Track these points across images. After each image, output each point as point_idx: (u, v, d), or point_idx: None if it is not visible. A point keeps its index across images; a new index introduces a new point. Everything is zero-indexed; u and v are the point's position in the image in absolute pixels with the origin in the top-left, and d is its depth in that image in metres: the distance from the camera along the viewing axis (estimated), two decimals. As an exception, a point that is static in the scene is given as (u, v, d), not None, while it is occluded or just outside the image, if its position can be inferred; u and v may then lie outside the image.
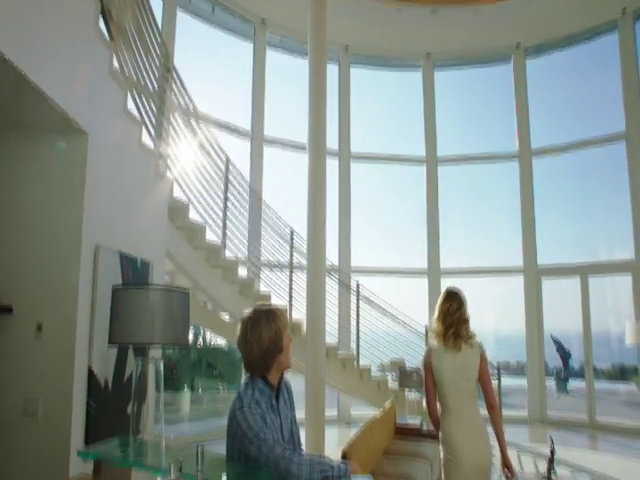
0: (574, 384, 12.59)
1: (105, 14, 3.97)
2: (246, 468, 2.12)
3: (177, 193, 5.85)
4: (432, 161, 11.00)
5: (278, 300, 7.49)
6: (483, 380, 3.51)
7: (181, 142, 5.70)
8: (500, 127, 11.70)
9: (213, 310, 7.38)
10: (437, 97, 11.18)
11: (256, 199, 7.64)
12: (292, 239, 7.82)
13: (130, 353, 3.62)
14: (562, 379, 13.26)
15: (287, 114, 10.67)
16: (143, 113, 4.75)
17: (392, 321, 8.71)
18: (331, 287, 7.90)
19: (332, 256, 9.32)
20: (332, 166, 10.06)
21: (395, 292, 10.20)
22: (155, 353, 3.17)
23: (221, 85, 9.95)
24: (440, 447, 3.56)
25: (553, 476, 4.45)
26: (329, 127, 7.07)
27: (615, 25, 9.80)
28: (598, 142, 10.02)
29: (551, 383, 12.36)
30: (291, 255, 7.82)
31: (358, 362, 8.49)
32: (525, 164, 10.55)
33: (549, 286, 10.18)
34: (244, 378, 2.33)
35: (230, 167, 6.96)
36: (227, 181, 6.92)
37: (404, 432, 6.37)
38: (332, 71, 10.28)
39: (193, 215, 6.11)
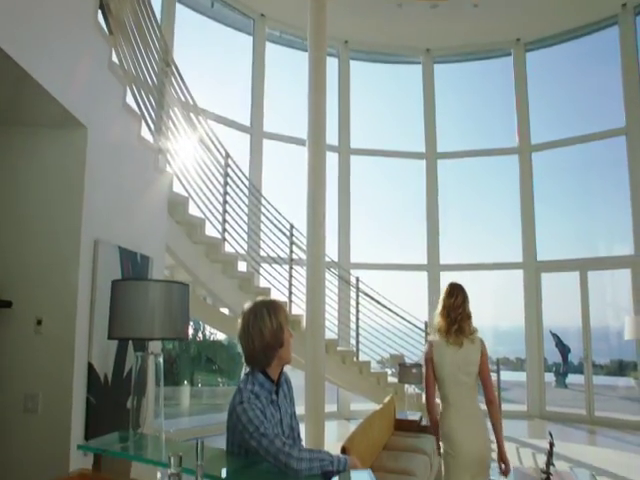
0: (573, 379, 12.62)
1: (104, 8, 3.96)
2: (246, 462, 2.12)
3: (177, 187, 5.85)
4: (432, 156, 10.99)
5: (278, 295, 7.50)
6: (483, 375, 3.53)
7: (180, 136, 5.69)
8: (500, 122, 11.70)
9: (213, 305, 7.39)
10: (437, 92, 11.16)
11: (256, 194, 7.63)
12: (292, 234, 7.82)
13: (130, 348, 3.63)
14: (561, 374, 13.30)
15: (287, 109, 10.65)
16: (142, 107, 4.74)
17: (392, 316, 8.72)
18: (331, 282, 7.91)
19: (332, 251, 9.33)
20: (332, 161, 10.05)
21: (394, 287, 10.22)
22: (155, 347, 3.17)
23: (220, 79, 9.93)
24: (440, 441, 3.58)
25: (552, 470, 4.46)
26: (329, 122, 7.05)
27: (616, 20, 9.77)
28: (598, 137, 10.01)
29: (550, 378, 12.40)
30: (291, 250, 7.83)
31: (358, 357, 8.51)
32: (525, 159, 10.55)
33: (548, 281, 10.18)
34: (244, 372, 2.34)
35: (229, 162, 6.95)
36: (227, 176, 6.92)
37: (404, 427, 6.39)
38: (332, 66, 10.26)
39: (193, 210, 6.11)
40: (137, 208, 4.08)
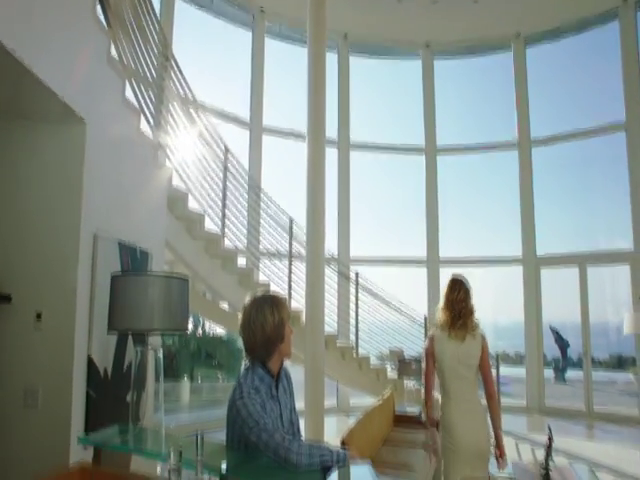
0: (572, 374, 12.65)
1: (103, 1, 3.94)
2: (246, 455, 2.12)
3: (176, 183, 5.84)
4: (431, 150, 10.99)
5: (277, 290, 7.49)
6: (483, 370, 3.54)
7: (180, 131, 5.67)
8: (499, 117, 11.69)
9: (212, 300, 7.39)
10: (436, 86, 11.15)
11: (255, 189, 7.63)
12: (291, 229, 7.82)
13: (129, 342, 3.63)
14: (560, 369, 13.33)
15: (286, 103, 10.64)
16: (142, 102, 4.73)
17: (391, 311, 8.73)
18: (330, 277, 7.91)
19: (331, 246, 9.33)
20: (331, 155, 10.04)
21: (394, 282, 10.21)
22: (154, 340, 3.17)
23: (220, 74, 9.91)
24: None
25: (551, 465, 4.47)
26: (328, 117, 7.04)
27: (616, 14, 9.75)
28: (598, 132, 10.00)
29: (550, 374, 12.42)
30: (290, 245, 7.82)
31: (357, 352, 8.51)
32: (524, 154, 10.54)
33: (548, 276, 10.19)
34: (244, 366, 2.34)
35: (229, 156, 6.94)
36: (226, 170, 6.90)
37: (403, 421, 6.40)
38: (331, 60, 10.24)
39: (192, 204, 6.11)
40: (136, 203, 4.07)
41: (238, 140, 9.42)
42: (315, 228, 6.65)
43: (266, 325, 2.24)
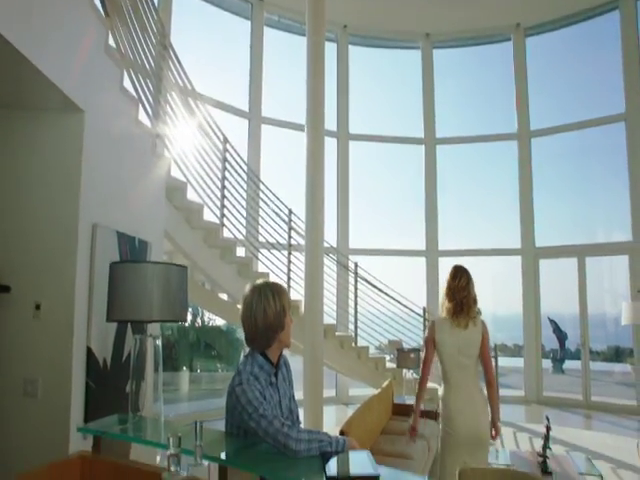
0: (570, 365, 12.71)
1: (100, -10, 3.92)
2: (245, 443, 2.13)
3: (175, 173, 5.83)
4: (430, 141, 10.97)
5: (276, 280, 7.48)
6: (483, 357, 3.58)
7: (178, 121, 5.65)
8: (499, 107, 11.65)
9: (211, 290, 7.40)
10: (436, 77, 11.12)
11: (254, 179, 7.61)
12: (290, 219, 7.81)
13: (129, 333, 3.63)
14: (558, 360, 13.39)
15: (285, 94, 10.60)
16: (140, 91, 4.71)
17: (390, 301, 8.74)
18: (329, 268, 7.92)
19: (330, 236, 9.34)
20: (330, 146, 10.02)
21: (393, 273, 10.23)
22: (153, 329, 3.18)
23: (218, 64, 9.87)
24: (440, 424, 3.62)
25: (548, 453, 4.50)
26: (327, 107, 7.01)
27: (616, 4, 9.70)
28: (597, 123, 9.98)
29: (548, 364, 12.48)
30: (289, 235, 7.82)
31: (356, 342, 8.54)
32: (524, 145, 10.53)
33: (546, 267, 10.21)
34: (244, 354, 2.35)
35: (228, 147, 6.92)
36: (225, 161, 6.89)
37: (402, 411, 6.43)
38: (330, 50, 10.19)
39: (191, 195, 6.10)
40: (135, 193, 4.06)
41: (237, 130, 9.41)
42: (314, 218, 6.64)
43: (268, 310, 2.25)
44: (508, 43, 10.85)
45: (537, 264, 10.19)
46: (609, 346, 13.66)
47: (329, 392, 9.17)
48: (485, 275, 10.60)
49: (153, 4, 4.95)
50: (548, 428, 4.62)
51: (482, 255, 10.54)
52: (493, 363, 7.07)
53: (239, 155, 7.17)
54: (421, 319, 8.90)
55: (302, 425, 2.41)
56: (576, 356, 10.70)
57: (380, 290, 8.74)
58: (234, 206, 6.97)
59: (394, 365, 8.21)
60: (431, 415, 6.05)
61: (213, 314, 10.70)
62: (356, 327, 8.74)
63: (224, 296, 7.40)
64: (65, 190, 3.16)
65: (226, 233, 6.85)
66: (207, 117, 6.52)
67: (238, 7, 9.93)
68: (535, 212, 10.34)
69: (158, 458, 3.64)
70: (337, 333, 8.24)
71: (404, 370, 7.84)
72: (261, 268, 7.65)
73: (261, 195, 7.61)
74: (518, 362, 10.66)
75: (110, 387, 3.44)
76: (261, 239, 7.78)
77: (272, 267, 7.59)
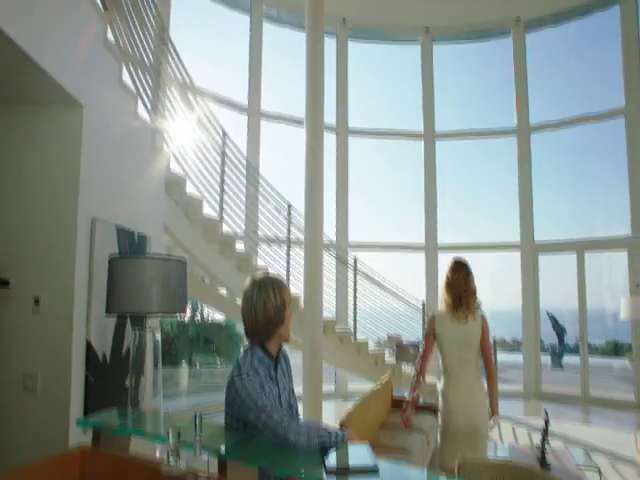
0: (569, 360, 12.74)
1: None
2: (244, 436, 2.14)
3: (174, 167, 5.82)
4: (430, 136, 10.95)
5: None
6: (484, 350, 3.59)
7: (177, 115, 5.64)
8: (498, 102, 11.63)
9: (211, 285, 7.40)
10: (435, 71, 11.09)
11: (253, 174, 7.60)
12: (289, 214, 7.81)
13: (128, 327, 3.64)
14: (557, 355, 13.42)
15: (284, 88, 10.58)
16: (139, 86, 4.70)
17: (389, 296, 8.75)
18: (328, 263, 7.92)
19: (329, 231, 9.33)
20: (329, 141, 10.00)
21: (392, 268, 10.24)
22: (153, 323, 3.18)
23: (217, 59, 9.84)
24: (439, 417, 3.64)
25: (547, 447, 4.52)
26: (326, 102, 7.00)
27: (617, -2, 9.69)
28: (597, 118, 9.97)
29: (546, 359, 12.51)
30: (288, 230, 7.82)
31: (355, 337, 8.55)
32: (523, 140, 10.51)
33: (545, 262, 10.21)
34: (243, 347, 2.35)
35: (227, 141, 6.91)
36: (224, 155, 6.88)
37: (401, 405, 6.43)
38: (330, 45, 10.16)
39: (190, 189, 6.09)
40: (134, 187, 4.06)
41: (236, 125, 9.40)
42: (313, 213, 6.64)
43: (268, 304, 2.25)
44: (508, 38, 10.81)
45: (536, 259, 10.19)
46: (608, 341, 13.70)
47: (328, 387, 9.19)
48: (484, 270, 10.61)
49: (152, -2, 4.93)
50: (547, 422, 4.63)
51: (481, 250, 10.54)
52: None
53: (238, 150, 7.16)
54: (420, 314, 8.90)
55: (301, 419, 2.42)
56: (575, 351, 10.73)
57: (379, 285, 8.74)
58: (233, 201, 6.96)
59: (393, 360, 8.22)
60: (430, 410, 6.06)
61: (212, 309, 10.71)
62: (355, 322, 8.74)
63: (223, 291, 7.41)
64: (64, 184, 3.16)
65: (225, 228, 6.84)
66: (206, 111, 6.50)
67: (237, 1, 9.90)
68: (534, 207, 10.33)
69: (158, 452, 3.65)
70: (336, 328, 8.24)
71: (403, 365, 7.85)
72: (260, 263, 7.65)
73: (260, 190, 7.60)
74: (517, 357, 10.67)
75: (110, 381, 3.45)
76: (260, 234, 7.78)
77: (271, 262, 7.60)
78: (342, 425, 3.82)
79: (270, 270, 7.47)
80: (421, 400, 6.47)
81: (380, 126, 11.08)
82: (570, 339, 13.05)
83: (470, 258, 3.80)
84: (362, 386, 8.69)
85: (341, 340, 8.15)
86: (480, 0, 10.01)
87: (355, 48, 11.06)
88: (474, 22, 10.71)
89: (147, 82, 4.86)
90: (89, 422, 2.47)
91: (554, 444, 5.31)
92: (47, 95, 3.07)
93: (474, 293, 3.60)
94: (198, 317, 11.90)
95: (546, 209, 10.43)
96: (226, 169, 6.90)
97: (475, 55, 11.73)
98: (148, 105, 4.88)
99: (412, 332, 8.82)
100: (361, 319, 8.77)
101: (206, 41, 9.68)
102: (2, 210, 3.16)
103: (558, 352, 13.53)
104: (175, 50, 5.59)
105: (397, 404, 6.48)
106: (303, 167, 6.72)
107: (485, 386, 3.62)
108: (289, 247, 7.82)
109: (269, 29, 10.22)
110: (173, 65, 5.60)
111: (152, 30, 4.94)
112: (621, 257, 9.44)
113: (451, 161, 11.18)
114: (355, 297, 8.84)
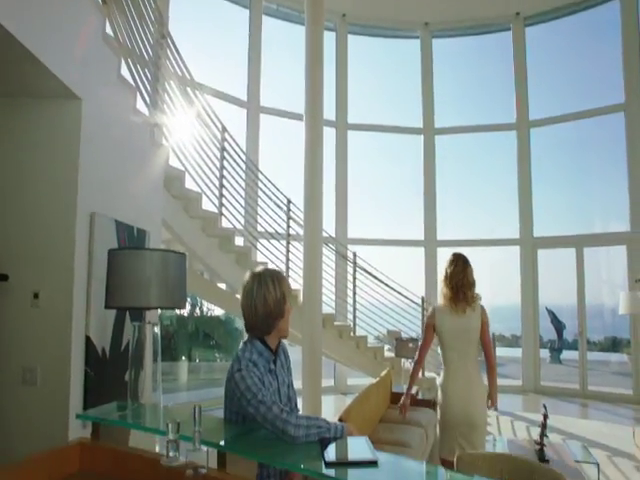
0: (567, 355, 12.77)
1: (97, -23, 3.88)
2: (244, 429, 2.14)
3: (173, 161, 5.81)
4: (429, 131, 10.94)
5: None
6: (484, 342, 3.61)
7: (177, 110, 5.63)
8: (498, 97, 11.62)
9: (210, 280, 7.40)
10: (435, 66, 11.07)
11: (252, 168, 7.59)
12: (289, 209, 7.80)
13: (127, 322, 3.64)
14: (556, 350, 13.45)
15: (284, 83, 10.56)
16: (138, 80, 4.69)
17: (388, 291, 8.75)
18: (328, 257, 7.92)
19: (329, 226, 9.33)
20: (329, 136, 9.99)
21: (391, 263, 10.24)
22: (152, 317, 3.18)
23: (217, 53, 9.83)
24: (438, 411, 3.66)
25: (545, 441, 4.53)
26: (326, 97, 6.98)
27: (617, -7, 9.66)
28: (597, 113, 9.95)
29: (545, 354, 12.53)
30: (288, 225, 7.81)
31: (355, 332, 8.55)
32: (523, 135, 10.50)
33: (544, 258, 10.22)
34: (243, 340, 2.35)
35: (226, 136, 6.90)
36: (223, 150, 6.87)
37: (400, 400, 6.44)
38: (329, 39, 10.14)
39: (189, 184, 6.08)
40: (133, 181, 4.05)
41: (235, 119, 9.38)
42: (313, 208, 6.63)
43: (268, 298, 2.25)
44: (507, 33, 10.79)
45: (535, 254, 10.20)
46: (606, 336, 13.72)
47: (327, 382, 9.20)
48: (483, 265, 10.61)
49: (151, -9, 4.91)
50: (545, 417, 4.65)
51: (480, 245, 10.54)
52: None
53: (237, 144, 7.15)
54: (419, 309, 8.91)
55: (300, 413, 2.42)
56: (573, 346, 10.76)
57: (379, 280, 8.74)
58: (233, 195, 6.95)
59: (393, 354, 8.23)
60: (429, 404, 6.08)
61: (212, 304, 10.71)
62: (355, 317, 8.75)
63: (223, 285, 7.41)
64: (63, 178, 3.15)
65: (225, 222, 6.84)
66: (205, 106, 6.49)
67: (236, -5, 9.87)
68: (534, 202, 10.33)
69: (157, 446, 3.65)
70: (336, 323, 8.25)
71: (402, 359, 7.86)
72: (260, 258, 7.65)
73: (259, 184, 7.59)
74: (516, 352, 10.69)
75: (109, 376, 3.45)
76: (260, 229, 7.77)
77: (271, 257, 7.59)
78: (341, 420, 3.83)
79: (270, 264, 7.47)
80: (420, 395, 6.50)
81: (379, 121, 11.07)
82: (569, 334, 13.09)
83: (469, 253, 3.81)
84: (361, 381, 8.71)
85: (340, 335, 8.16)
86: (480, -6, 9.98)
87: (354, 43, 11.03)
88: (474, 17, 10.69)
89: (146, 76, 4.85)
90: (88, 416, 2.47)
91: (552, 438, 5.33)
92: (46, 88, 3.07)
93: (472, 285, 3.62)
94: (197, 312, 11.91)
95: (545, 204, 10.43)
96: (225, 164, 6.89)
97: (475, 50, 11.71)
98: (147, 99, 4.87)
99: (411, 327, 8.83)
100: (360, 314, 8.78)
101: (205, 35, 9.66)
102: (1, 204, 3.16)
103: (557, 347, 13.56)
104: (174, 44, 5.57)
105: (396, 399, 6.49)
106: (302, 162, 6.71)
107: (484, 379, 3.63)
108: (288, 242, 7.81)
109: (269, 23, 10.19)
110: (172, 59, 5.58)
111: (151, 24, 4.93)
112: (620, 252, 9.45)
113: (450, 156, 11.17)
114: (354, 292, 8.85)
